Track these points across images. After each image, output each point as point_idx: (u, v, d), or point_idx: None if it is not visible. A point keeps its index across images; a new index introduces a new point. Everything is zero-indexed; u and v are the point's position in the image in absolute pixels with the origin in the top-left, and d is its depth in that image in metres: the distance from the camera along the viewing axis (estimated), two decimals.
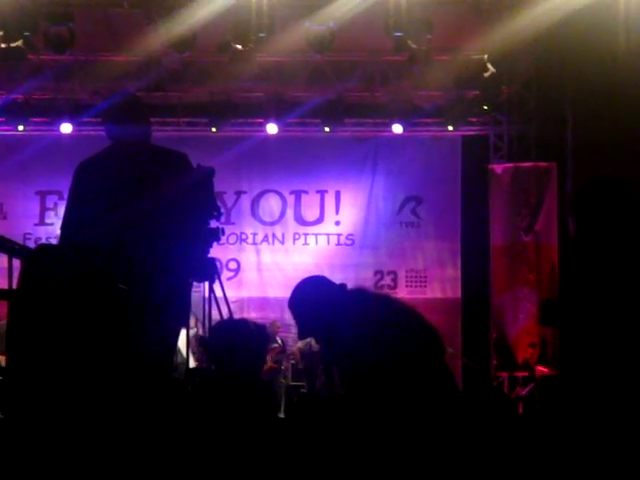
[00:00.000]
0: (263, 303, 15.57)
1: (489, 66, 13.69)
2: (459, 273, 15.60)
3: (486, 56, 13.67)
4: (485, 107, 14.66)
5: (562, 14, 11.81)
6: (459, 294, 15.47)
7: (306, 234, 15.88)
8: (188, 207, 5.71)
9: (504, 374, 14.27)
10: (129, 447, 4.53)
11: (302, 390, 14.10)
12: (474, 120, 15.19)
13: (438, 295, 15.56)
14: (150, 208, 5.53)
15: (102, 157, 5.82)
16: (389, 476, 4.31)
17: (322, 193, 16.01)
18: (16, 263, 5.78)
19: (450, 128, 15.05)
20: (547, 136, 14.29)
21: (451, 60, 13.85)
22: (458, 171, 15.70)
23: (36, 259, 5.21)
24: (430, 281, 15.71)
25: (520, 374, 14.17)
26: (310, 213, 16.01)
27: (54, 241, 11.92)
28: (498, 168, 14.78)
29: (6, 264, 5.76)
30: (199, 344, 9.39)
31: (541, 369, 13.73)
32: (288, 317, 15.76)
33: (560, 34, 12.19)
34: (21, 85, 14.26)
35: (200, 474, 4.43)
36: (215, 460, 4.41)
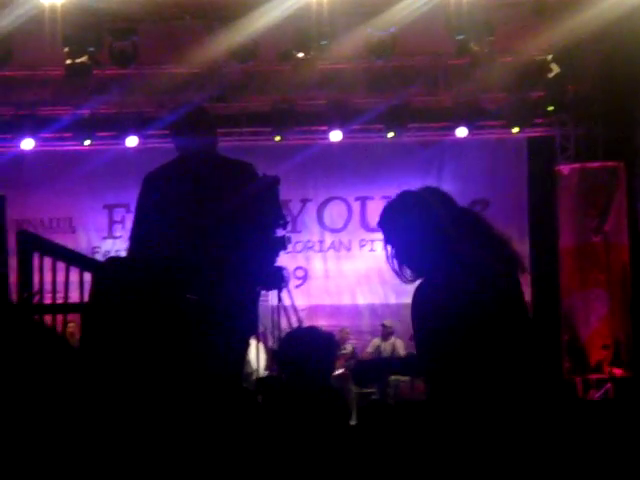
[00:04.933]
0: (332, 310, 15.54)
1: (553, 66, 13.54)
2: (528, 276, 15.40)
3: (550, 56, 13.53)
4: (550, 108, 14.49)
5: (628, 8, 11.62)
6: (529, 297, 15.27)
7: (372, 240, 15.80)
8: (254, 216, 5.72)
9: (577, 378, 14.04)
10: (199, 457, 4.54)
11: (373, 397, 14.03)
12: (539, 121, 15.00)
13: None
14: (217, 218, 5.55)
15: (170, 168, 5.86)
16: None
17: (388, 199, 15.91)
18: (87, 277, 5.85)
19: (515, 130, 14.88)
20: (614, 135, 14.09)
21: (514, 61, 13.71)
22: (524, 173, 15.53)
23: (107, 272, 5.25)
24: None
25: (593, 376, 13.95)
26: (376, 219, 15.88)
27: (123, 254, 12.03)
28: (565, 169, 14.60)
29: (78, 278, 5.84)
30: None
31: (616, 371, 13.53)
32: (358, 324, 15.79)
33: (627, 29, 12.00)
34: (87, 100, 14.41)
35: None
36: (287, 470, 4.39)
